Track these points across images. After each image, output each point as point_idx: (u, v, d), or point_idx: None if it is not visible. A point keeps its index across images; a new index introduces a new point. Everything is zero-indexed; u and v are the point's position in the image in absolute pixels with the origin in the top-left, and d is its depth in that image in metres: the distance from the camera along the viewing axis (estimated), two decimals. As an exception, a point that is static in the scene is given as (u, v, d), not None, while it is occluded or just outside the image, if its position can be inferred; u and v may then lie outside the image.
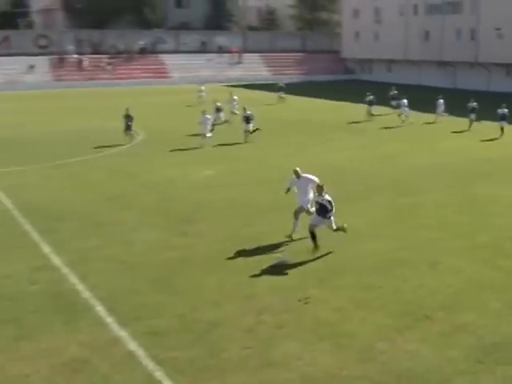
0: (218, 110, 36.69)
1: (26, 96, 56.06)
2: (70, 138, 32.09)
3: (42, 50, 70.85)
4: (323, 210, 14.92)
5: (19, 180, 23.42)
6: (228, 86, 62.89)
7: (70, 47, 70.92)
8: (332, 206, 14.85)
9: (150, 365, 10.02)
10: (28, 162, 26.39)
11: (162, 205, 19.76)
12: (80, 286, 13.12)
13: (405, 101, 38.28)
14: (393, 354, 10.34)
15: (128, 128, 30.98)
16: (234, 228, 17.28)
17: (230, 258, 14.92)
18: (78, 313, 11.86)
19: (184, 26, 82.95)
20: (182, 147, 29.79)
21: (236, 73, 73.73)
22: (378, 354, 10.33)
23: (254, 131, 31.35)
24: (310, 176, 16.27)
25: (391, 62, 73.07)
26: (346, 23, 79.22)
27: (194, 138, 31.18)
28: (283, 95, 50.21)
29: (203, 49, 77.41)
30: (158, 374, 9.75)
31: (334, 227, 15.21)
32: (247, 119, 31.44)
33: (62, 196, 21.03)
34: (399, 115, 38.08)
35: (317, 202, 15.13)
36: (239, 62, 76.55)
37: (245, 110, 32.37)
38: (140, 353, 10.38)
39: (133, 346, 10.62)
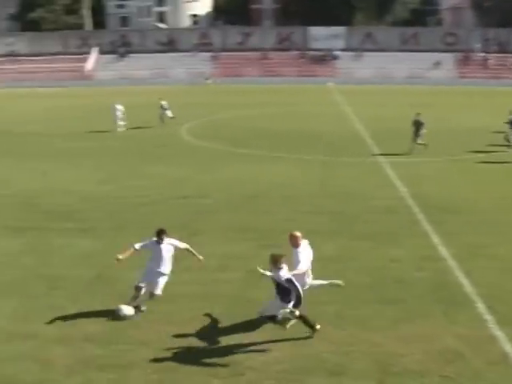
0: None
1: (430, 91, 57.36)
2: (468, 135, 32.06)
3: (449, 48, 71.68)
4: (283, 292, 10.64)
5: (416, 171, 24.41)
6: None
7: (477, 45, 70.40)
8: (294, 288, 10.54)
9: (523, 370, 9.79)
10: (426, 155, 27.26)
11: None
12: (463, 280, 13.26)
13: None
14: None
15: (416, 135, 27.93)
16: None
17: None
18: (458, 305, 12.05)
19: None
20: None
21: None
22: None
23: None
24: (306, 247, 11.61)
25: None
26: None
27: None
28: None
29: None
30: (532, 381, 9.48)
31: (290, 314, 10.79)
32: None
33: (455, 190, 21.29)
34: None
35: (272, 278, 10.77)
36: None
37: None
38: (515, 356, 10.19)
39: (509, 347, 10.45)
